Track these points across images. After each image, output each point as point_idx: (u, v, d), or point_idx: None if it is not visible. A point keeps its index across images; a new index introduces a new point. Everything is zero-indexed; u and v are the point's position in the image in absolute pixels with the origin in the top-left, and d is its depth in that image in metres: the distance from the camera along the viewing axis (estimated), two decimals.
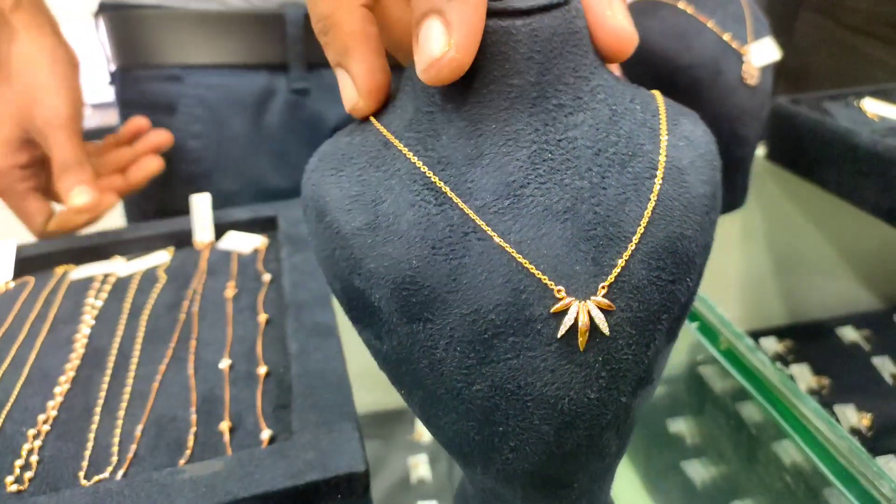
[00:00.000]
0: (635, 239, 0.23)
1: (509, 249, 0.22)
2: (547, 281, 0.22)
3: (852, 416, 0.61)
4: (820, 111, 0.61)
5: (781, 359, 0.67)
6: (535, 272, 0.22)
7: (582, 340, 0.22)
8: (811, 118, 0.60)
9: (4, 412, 0.38)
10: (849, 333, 0.69)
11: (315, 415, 0.34)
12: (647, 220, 0.23)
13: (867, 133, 0.56)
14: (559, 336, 0.22)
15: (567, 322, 0.22)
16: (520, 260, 0.22)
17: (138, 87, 0.63)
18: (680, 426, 0.61)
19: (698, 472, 0.58)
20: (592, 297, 0.22)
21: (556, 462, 0.24)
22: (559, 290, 0.22)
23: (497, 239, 0.22)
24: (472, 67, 0.23)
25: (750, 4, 0.55)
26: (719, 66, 0.52)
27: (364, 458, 0.31)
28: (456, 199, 0.23)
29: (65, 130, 0.52)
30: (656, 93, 0.28)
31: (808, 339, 0.69)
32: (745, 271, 0.71)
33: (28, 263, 0.51)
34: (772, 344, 0.69)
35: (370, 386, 0.39)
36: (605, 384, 0.23)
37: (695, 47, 0.52)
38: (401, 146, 0.24)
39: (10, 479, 0.33)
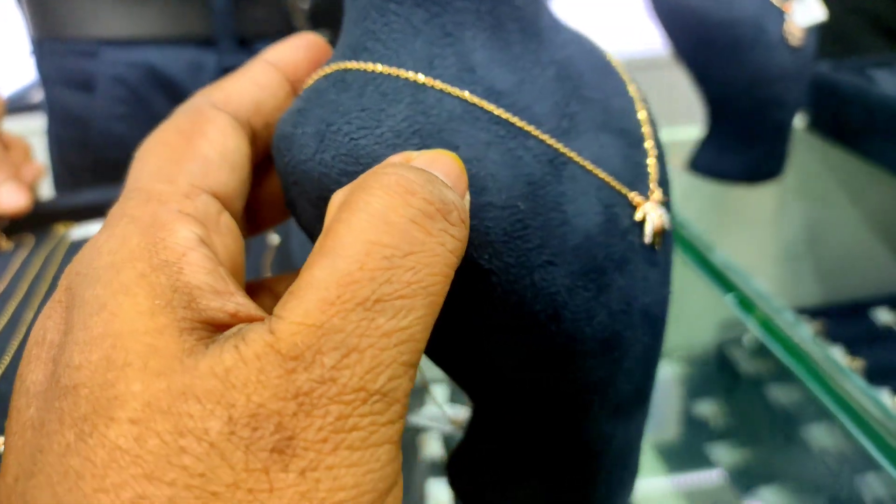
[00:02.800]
0: (647, 140, 0.25)
1: (590, 167, 0.22)
2: (625, 191, 0.23)
3: (887, 401, 0.58)
4: (864, 78, 0.58)
5: None
6: (614, 184, 0.22)
7: (658, 241, 0.23)
8: (855, 85, 0.56)
9: None
10: (884, 315, 0.66)
11: None
12: (644, 121, 0.25)
13: None
14: (647, 242, 0.23)
15: (650, 226, 0.23)
16: (601, 175, 0.22)
17: (54, 61, 0.59)
18: (705, 408, 0.59)
19: (723, 455, 0.56)
20: (653, 197, 0.23)
21: (648, 374, 0.25)
22: (633, 196, 0.23)
23: (578, 159, 0.22)
24: None
25: None
26: (761, 24, 0.49)
27: None
28: (528, 128, 0.22)
29: None
30: None
31: (841, 319, 0.66)
32: (777, 247, 0.68)
33: (27, 221, 0.49)
34: None
35: None
36: (668, 278, 0.25)
37: (736, 3, 0.48)
38: (440, 85, 0.21)
39: (2, 439, 0.31)
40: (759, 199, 0.63)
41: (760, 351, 0.46)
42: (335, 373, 0.14)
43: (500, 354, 0.23)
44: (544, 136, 0.22)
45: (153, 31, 0.56)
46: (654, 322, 0.24)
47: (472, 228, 0.21)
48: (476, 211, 0.20)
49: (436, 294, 0.15)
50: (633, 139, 0.24)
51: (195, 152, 0.21)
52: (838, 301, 0.68)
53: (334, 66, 0.23)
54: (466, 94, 0.21)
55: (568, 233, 0.21)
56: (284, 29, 0.57)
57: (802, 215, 0.67)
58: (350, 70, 0.23)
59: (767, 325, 0.41)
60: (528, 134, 0.21)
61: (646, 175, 0.24)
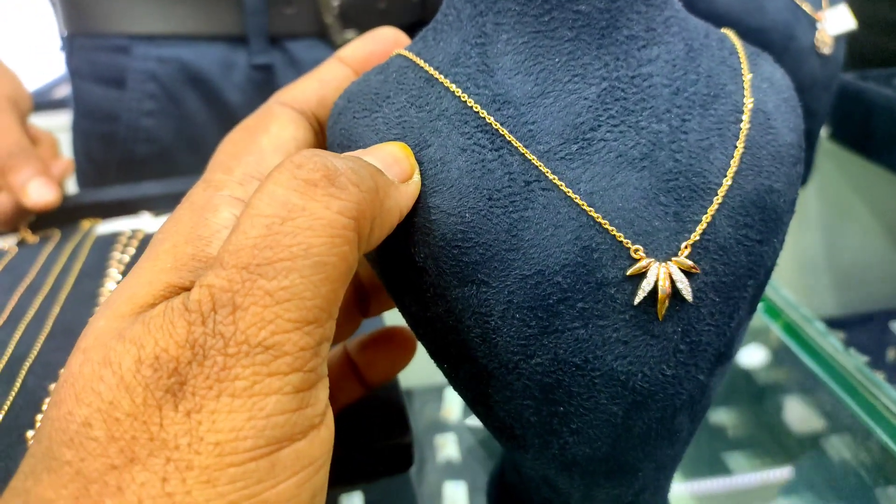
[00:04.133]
0: (721, 191, 0.20)
1: (579, 201, 0.20)
2: (622, 238, 0.20)
3: None
4: (891, 88, 0.57)
5: None
6: (609, 228, 0.20)
7: (661, 308, 0.20)
8: (882, 95, 0.56)
9: (27, 366, 0.36)
10: None
11: None
12: (734, 169, 0.21)
13: None
14: (635, 303, 0.20)
15: (645, 287, 0.20)
16: (591, 214, 0.20)
17: (85, 56, 0.59)
18: (722, 416, 0.58)
19: (741, 464, 0.55)
20: (674, 258, 0.20)
21: (622, 447, 0.22)
22: (636, 250, 0.20)
23: (564, 189, 0.20)
24: None
25: None
26: (792, 32, 0.48)
27: (410, 431, 0.29)
28: (516, 143, 0.20)
29: (7, 111, 0.46)
30: (729, 31, 0.25)
31: (859, 332, 0.66)
32: (795, 257, 0.67)
33: (54, 215, 0.49)
34: None
35: None
36: (684, 359, 0.21)
37: (767, 9, 0.48)
38: (447, 83, 0.21)
39: (30, 433, 0.31)
40: None
41: (782, 359, 0.46)
42: (223, 327, 0.16)
43: (442, 347, 0.22)
44: (532, 156, 0.20)
45: (185, 28, 0.56)
46: (636, 397, 0.21)
47: (415, 224, 0.20)
48: (421, 209, 0.20)
49: (322, 255, 0.16)
50: (685, 186, 0.20)
51: (254, 146, 0.23)
52: (857, 312, 0.68)
53: (398, 51, 0.24)
54: (465, 97, 0.21)
55: (515, 260, 0.20)
56: (316, 27, 0.57)
57: (823, 225, 0.67)
58: (399, 55, 0.23)
59: (794, 333, 0.41)
60: (514, 149, 0.20)
61: (683, 231, 0.20)
